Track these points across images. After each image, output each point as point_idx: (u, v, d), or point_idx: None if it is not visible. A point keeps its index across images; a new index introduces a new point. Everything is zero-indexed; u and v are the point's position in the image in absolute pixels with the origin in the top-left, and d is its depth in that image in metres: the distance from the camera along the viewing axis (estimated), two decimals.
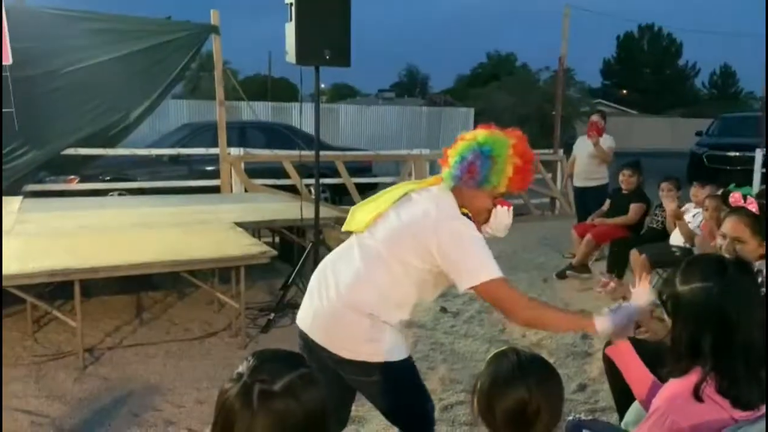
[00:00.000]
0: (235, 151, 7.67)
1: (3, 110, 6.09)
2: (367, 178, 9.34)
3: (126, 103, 6.79)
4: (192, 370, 3.72)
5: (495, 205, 2.18)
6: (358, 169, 9.11)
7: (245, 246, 4.16)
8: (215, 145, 7.50)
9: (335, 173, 8.34)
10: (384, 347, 2.06)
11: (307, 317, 2.16)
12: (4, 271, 3.64)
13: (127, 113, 6.88)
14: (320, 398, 1.12)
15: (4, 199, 5.69)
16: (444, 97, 28.11)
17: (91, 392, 3.38)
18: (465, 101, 23.27)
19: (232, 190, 7.42)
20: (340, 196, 9.08)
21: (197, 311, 4.71)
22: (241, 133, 9.27)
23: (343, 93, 42.62)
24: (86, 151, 6.94)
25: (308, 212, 4.92)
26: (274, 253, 4.11)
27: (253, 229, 5.31)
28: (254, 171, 7.80)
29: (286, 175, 7.75)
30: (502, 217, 2.21)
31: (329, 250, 4.93)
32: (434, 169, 10.85)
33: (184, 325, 4.47)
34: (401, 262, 2.03)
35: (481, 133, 2.15)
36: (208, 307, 4.76)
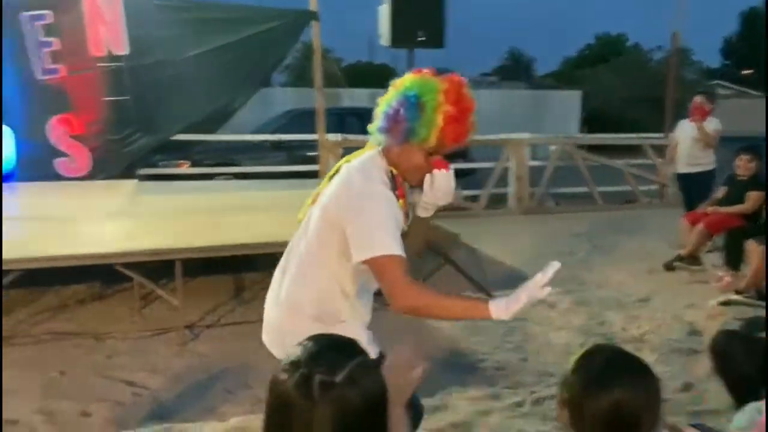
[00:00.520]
0: (332, 136, 7.77)
1: (120, 98, 6.49)
2: (463, 163, 9.19)
3: (229, 91, 7.03)
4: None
5: (432, 167, 1.84)
6: (452, 154, 8.95)
7: None
8: (314, 130, 7.63)
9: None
10: None
11: (264, 331, 1.98)
12: (113, 249, 3.87)
13: (230, 101, 7.13)
14: (380, 384, 1.09)
15: (118, 182, 6.07)
16: (548, 81, 27.23)
17: (189, 367, 3.54)
18: (571, 84, 22.43)
19: None
20: None
21: None
22: (340, 119, 9.38)
23: None
24: (194, 137, 7.27)
25: None
26: None
27: None
28: None
29: None
30: (439, 181, 1.86)
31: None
32: (536, 154, 10.53)
33: None
34: (328, 249, 1.80)
35: (408, 78, 1.85)
36: None
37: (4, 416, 2.95)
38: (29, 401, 3.12)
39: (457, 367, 3.58)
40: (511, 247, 6.39)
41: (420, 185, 1.89)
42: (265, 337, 1.97)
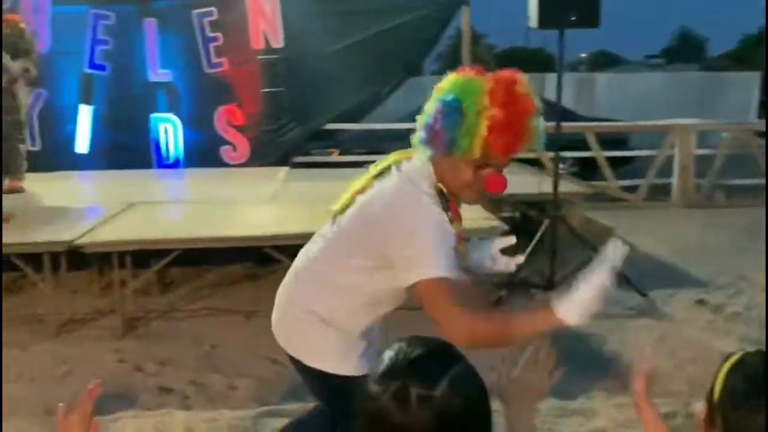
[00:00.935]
0: None
1: (276, 89, 6.82)
2: (623, 151, 8.62)
3: (379, 80, 7.13)
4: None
5: (482, 183, 1.57)
6: (612, 141, 8.43)
7: (478, 220, 4.09)
8: None
9: (586, 146, 7.83)
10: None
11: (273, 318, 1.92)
12: (264, 232, 4.06)
13: (379, 90, 7.24)
14: (481, 389, 1.00)
15: (272, 169, 6.39)
16: (724, 62, 24.83)
17: None
18: (750, 65, 20.26)
19: None
20: (591, 171, 8.52)
21: None
22: None
23: (601, 61, 40.06)
24: (344, 126, 7.47)
25: (551, 187, 4.67)
26: (506, 227, 3.98)
27: (494, 203, 5.22)
28: None
29: None
30: (500, 262, 1.67)
31: (569, 227, 4.71)
32: (705, 142, 9.61)
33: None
34: (354, 255, 1.65)
35: (448, 79, 1.60)
36: None
37: (161, 384, 3.20)
38: (183, 372, 3.36)
39: (602, 370, 3.34)
40: (672, 242, 5.87)
41: (474, 202, 1.68)
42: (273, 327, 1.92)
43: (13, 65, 5.09)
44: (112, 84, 6.75)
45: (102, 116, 6.76)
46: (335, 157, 8.20)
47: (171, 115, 6.80)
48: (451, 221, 1.59)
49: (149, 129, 6.80)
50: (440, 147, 1.56)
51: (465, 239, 1.69)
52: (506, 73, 1.56)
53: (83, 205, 5.00)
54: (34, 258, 3.93)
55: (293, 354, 1.82)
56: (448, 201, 1.61)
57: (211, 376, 3.33)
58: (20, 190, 5.27)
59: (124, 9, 6.73)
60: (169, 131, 6.81)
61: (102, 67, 6.75)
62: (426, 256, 1.50)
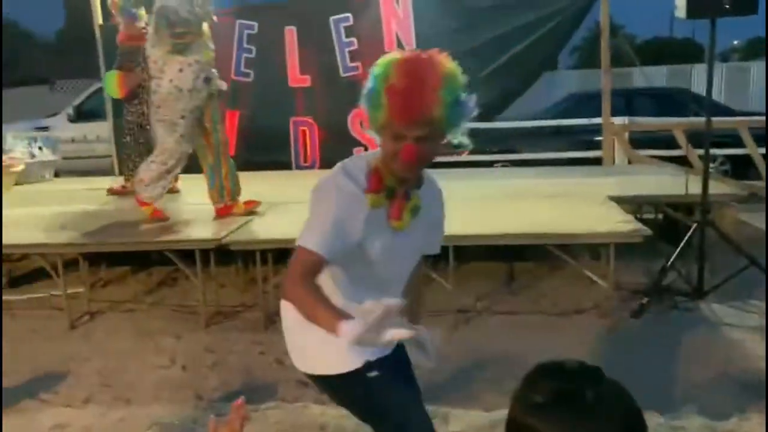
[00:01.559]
0: (618, 120, 7.24)
1: None
2: None
3: (512, 78, 6.99)
4: (551, 344, 3.65)
5: (400, 153, 1.58)
6: None
7: (616, 223, 3.90)
8: (599, 114, 7.20)
9: (739, 142, 7.21)
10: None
11: None
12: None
13: (513, 88, 7.10)
14: (633, 406, 0.95)
15: None
16: None
17: (457, 352, 3.61)
18: None
19: (614, 162, 7.06)
20: (745, 169, 7.83)
21: (567, 286, 4.62)
22: (628, 101, 8.72)
23: (757, 49, 36.49)
24: (475, 125, 7.38)
25: (699, 187, 4.35)
26: (648, 232, 3.75)
27: (634, 204, 4.96)
28: (641, 141, 7.26)
29: (677, 145, 7.01)
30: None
31: (719, 232, 4.36)
32: None
33: (552, 298, 4.44)
34: None
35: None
36: (579, 282, 4.63)
37: (299, 378, 3.34)
38: None
39: (758, 390, 3.06)
40: None
41: (410, 177, 1.67)
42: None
43: (135, 74, 5.53)
44: (255, 90, 7.15)
45: (246, 120, 7.19)
46: (464, 157, 8.15)
47: (309, 119, 7.09)
48: (380, 199, 1.65)
49: (288, 132, 7.13)
50: (368, 124, 1.65)
51: (411, 213, 1.71)
52: (430, 51, 1.61)
53: None
54: (186, 254, 4.26)
55: (297, 367, 1.84)
56: (381, 179, 1.65)
57: None
58: (176, 191, 5.73)
59: (266, 18, 7.10)
60: (307, 134, 7.11)
61: (246, 74, 7.18)
62: (309, 227, 1.61)
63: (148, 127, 5.44)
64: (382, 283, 1.71)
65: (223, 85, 4.71)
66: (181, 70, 4.26)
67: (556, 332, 3.87)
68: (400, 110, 1.55)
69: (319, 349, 1.70)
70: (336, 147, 6.99)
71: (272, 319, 4.10)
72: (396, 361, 1.82)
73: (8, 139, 7.86)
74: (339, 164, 1.68)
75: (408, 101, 1.54)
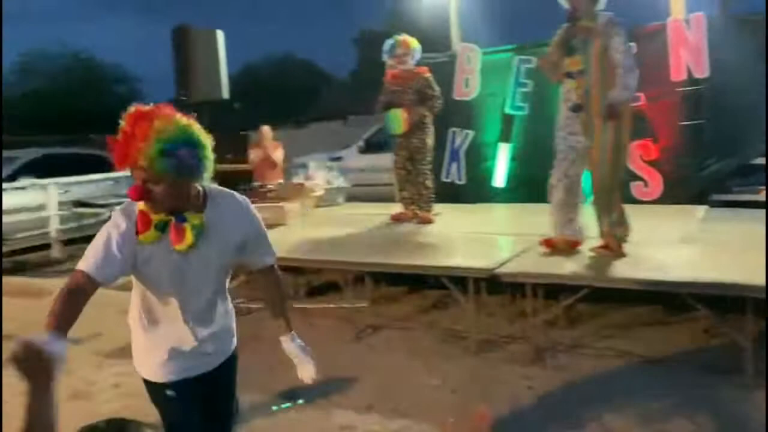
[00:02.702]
0: None
1: (696, 122, 6.38)
2: None
3: None
4: None
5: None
6: None
7: None
8: None
9: None
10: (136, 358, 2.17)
11: None
12: (675, 277, 3.85)
13: None
14: None
15: (688, 207, 5.99)
16: None
17: None
18: None
19: None
20: None
21: None
22: None
23: None
24: None
25: None
26: None
27: None
28: None
29: None
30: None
31: None
32: None
33: None
34: None
35: None
36: None
37: (568, 418, 3.28)
38: (586, 409, 3.39)
39: None
40: None
41: (175, 208, 1.94)
42: None
43: (415, 110, 5.89)
44: (528, 123, 7.24)
45: (518, 153, 7.31)
46: (760, 196, 7.23)
47: None
48: (152, 235, 1.94)
49: None
50: None
51: (194, 232, 1.96)
52: (159, 107, 1.89)
53: (501, 235, 5.49)
54: (459, 280, 4.48)
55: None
56: (146, 219, 1.94)
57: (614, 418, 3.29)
58: (430, 221, 6.06)
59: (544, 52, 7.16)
60: None
61: (521, 108, 7.31)
62: (86, 253, 1.94)
63: (418, 157, 5.96)
64: (183, 302, 2.04)
65: None
66: None
67: None
68: (115, 157, 1.87)
69: (142, 354, 2.13)
70: None
71: (541, 355, 4.10)
72: (207, 396, 2.16)
73: (310, 167, 9.09)
74: (118, 209, 2.01)
75: (118, 150, 1.86)
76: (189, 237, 1.95)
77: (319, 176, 8.00)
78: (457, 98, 7.56)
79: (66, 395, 3.87)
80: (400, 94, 5.99)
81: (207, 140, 1.92)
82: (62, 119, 23.25)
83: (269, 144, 8.07)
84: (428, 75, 6.13)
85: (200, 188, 2.00)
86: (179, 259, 1.97)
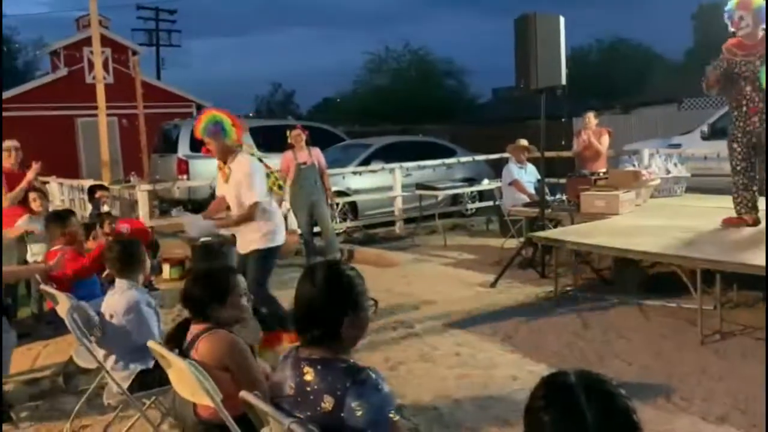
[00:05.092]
0: None
1: None
2: None
3: None
4: None
5: None
6: None
7: None
8: None
9: None
10: None
11: None
12: None
13: None
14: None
15: None
16: None
17: None
18: None
19: None
20: None
21: None
22: None
23: None
24: None
25: None
26: None
27: None
28: None
29: None
30: None
31: None
32: None
33: None
34: None
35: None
36: None
37: None
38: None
39: None
40: None
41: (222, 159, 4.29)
42: None
43: None
44: None
45: None
46: None
47: None
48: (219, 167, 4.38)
49: None
50: None
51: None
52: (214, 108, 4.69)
53: None
54: None
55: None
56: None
57: None
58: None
59: None
60: None
61: None
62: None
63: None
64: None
65: None
66: None
67: None
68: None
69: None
70: None
71: None
72: None
73: (645, 155, 8.54)
74: None
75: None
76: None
77: (656, 164, 7.45)
78: None
79: (415, 357, 4.32)
80: (740, 67, 4.79)
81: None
82: (401, 111, 25.64)
83: (594, 131, 7.85)
84: None
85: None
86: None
